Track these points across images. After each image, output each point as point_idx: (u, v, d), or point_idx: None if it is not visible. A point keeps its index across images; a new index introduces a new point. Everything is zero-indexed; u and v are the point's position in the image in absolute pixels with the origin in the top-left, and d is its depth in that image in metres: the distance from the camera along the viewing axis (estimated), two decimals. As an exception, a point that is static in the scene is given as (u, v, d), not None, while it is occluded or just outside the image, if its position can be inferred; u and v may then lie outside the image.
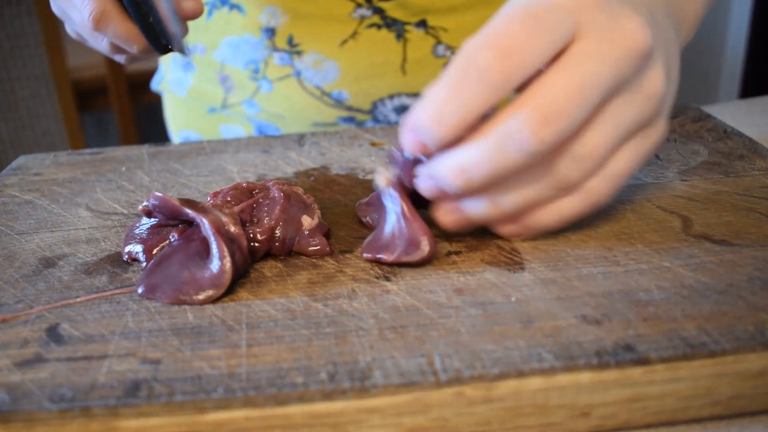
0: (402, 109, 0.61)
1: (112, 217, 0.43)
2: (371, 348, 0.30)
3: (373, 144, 0.53)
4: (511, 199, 0.34)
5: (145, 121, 2.09)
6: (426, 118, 0.31)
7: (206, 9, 0.64)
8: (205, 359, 0.29)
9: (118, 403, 0.27)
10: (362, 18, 0.58)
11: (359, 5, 0.58)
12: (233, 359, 0.29)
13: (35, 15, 1.57)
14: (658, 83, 0.33)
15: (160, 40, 0.46)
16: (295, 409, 0.27)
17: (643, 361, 0.28)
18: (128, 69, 1.84)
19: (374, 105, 0.61)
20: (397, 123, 0.63)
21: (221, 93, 0.66)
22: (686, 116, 0.55)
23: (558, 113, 0.30)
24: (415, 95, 0.61)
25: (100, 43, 0.47)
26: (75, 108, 1.68)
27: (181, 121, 0.72)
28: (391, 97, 0.61)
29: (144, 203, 0.38)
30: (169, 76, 0.72)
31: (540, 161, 0.32)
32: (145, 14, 0.45)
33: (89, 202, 0.46)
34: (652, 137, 0.35)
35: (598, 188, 0.34)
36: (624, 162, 0.34)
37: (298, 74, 0.61)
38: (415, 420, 0.28)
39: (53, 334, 0.32)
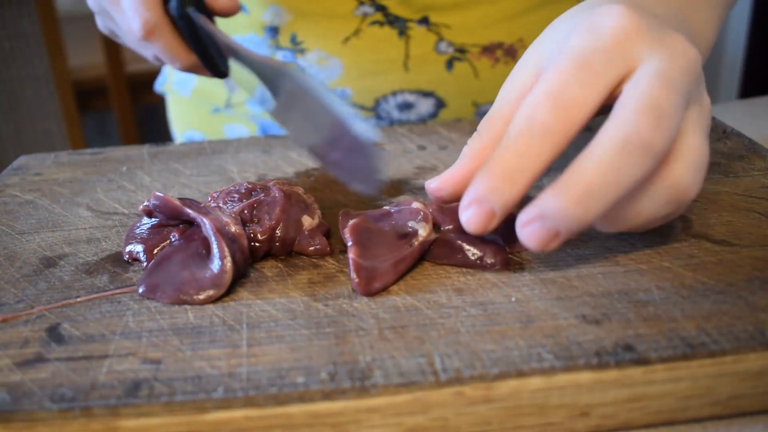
0: (404, 106, 0.62)
1: (113, 217, 0.43)
2: (371, 348, 0.30)
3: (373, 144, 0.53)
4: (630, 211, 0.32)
5: (145, 121, 2.10)
6: (498, 180, 0.31)
7: None
8: (206, 359, 0.29)
9: (119, 402, 0.27)
10: (365, 15, 0.58)
11: (362, 3, 0.58)
12: (234, 359, 0.29)
13: (36, 15, 1.58)
14: (708, 101, 0.34)
15: (218, 67, 0.45)
16: (295, 409, 0.27)
17: (642, 361, 0.28)
18: (129, 69, 1.84)
19: (377, 102, 0.61)
20: (399, 120, 0.62)
21: (225, 92, 0.66)
22: (686, 116, 0.55)
23: (663, 113, 0.30)
24: (418, 92, 0.61)
25: (145, 51, 0.47)
26: (76, 108, 1.68)
27: (185, 122, 0.72)
28: (394, 93, 0.61)
29: (145, 203, 0.38)
30: (173, 77, 0.72)
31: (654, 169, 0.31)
32: (203, 44, 0.44)
33: (90, 202, 0.46)
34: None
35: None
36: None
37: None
38: (415, 420, 0.28)
39: (54, 334, 0.32)
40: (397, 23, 0.58)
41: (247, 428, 0.27)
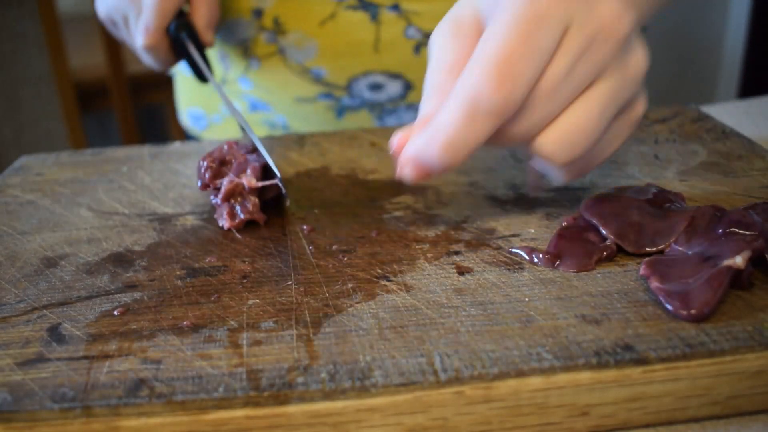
0: (375, 87, 0.65)
1: (114, 217, 0.44)
2: (371, 348, 0.30)
3: (373, 144, 0.53)
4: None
5: (146, 121, 2.10)
6: (439, 148, 0.33)
7: None
8: (206, 359, 0.30)
9: (120, 402, 0.27)
10: (340, 0, 0.62)
11: None
12: (234, 359, 0.29)
13: (37, 16, 1.58)
14: (640, 63, 0.35)
15: (201, 75, 0.64)
16: (295, 409, 0.27)
17: (642, 361, 0.28)
18: (130, 70, 1.84)
19: (350, 81, 0.65)
20: (370, 100, 0.66)
21: (222, 70, 0.71)
22: (685, 116, 0.55)
23: (511, 71, 0.32)
24: (387, 74, 0.64)
25: (143, 56, 0.61)
26: (76, 108, 1.69)
27: (188, 99, 0.78)
28: (366, 74, 0.64)
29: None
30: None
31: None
32: (187, 56, 0.61)
33: (91, 202, 0.46)
34: (636, 112, 0.37)
35: (587, 167, 0.37)
36: (611, 140, 0.37)
37: (282, 52, 0.65)
38: (415, 419, 0.28)
39: (55, 334, 0.32)
40: (370, 8, 0.61)
41: (247, 428, 0.28)
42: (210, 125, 0.75)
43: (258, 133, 0.71)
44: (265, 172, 0.42)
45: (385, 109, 0.66)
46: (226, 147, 0.43)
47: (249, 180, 0.41)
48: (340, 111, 0.67)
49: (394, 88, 0.64)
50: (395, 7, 0.61)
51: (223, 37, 0.69)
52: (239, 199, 0.41)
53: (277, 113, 0.69)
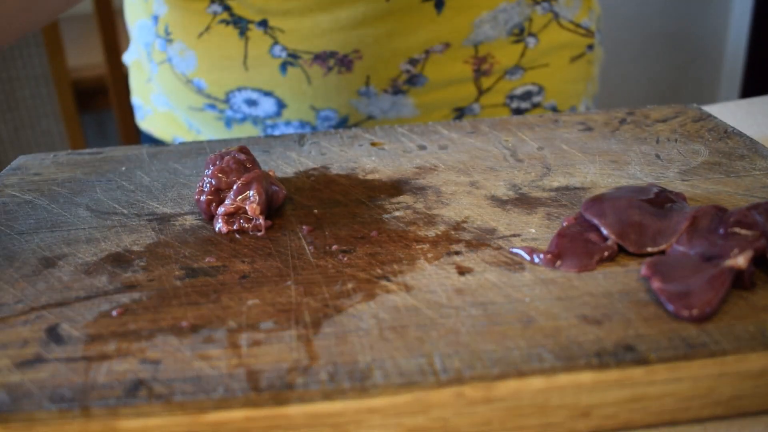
0: (250, 102, 0.65)
1: (112, 217, 0.43)
2: (371, 348, 0.30)
3: (373, 144, 0.53)
4: None
5: (145, 121, 2.09)
6: None
7: None
8: (205, 359, 0.29)
9: (118, 403, 0.27)
10: (215, 14, 0.62)
11: (212, 2, 0.62)
12: (233, 359, 0.29)
13: (35, 15, 1.57)
14: None
15: None
16: (295, 409, 0.27)
17: (643, 362, 0.28)
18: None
19: (227, 95, 0.65)
20: (249, 114, 0.66)
21: (147, 67, 0.73)
22: (687, 116, 0.55)
23: None
24: (258, 90, 0.64)
25: None
26: (75, 108, 1.68)
27: (133, 89, 0.80)
28: (240, 89, 0.64)
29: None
30: (129, 51, 0.80)
31: None
32: None
33: (89, 202, 0.46)
34: None
35: None
36: None
37: (170, 60, 0.67)
38: (415, 420, 0.28)
39: (53, 334, 0.32)
40: (240, 23, 0.62)
41: (246, 429, 0.27)
42: (145, 116, 0.76)
43: (178, 132, 0.72)
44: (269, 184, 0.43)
45: (266, 124, 0.66)
46: (212, 177, 0.43)
47: (253, 207, 0.40)
48: (228, 122, 0.67)
49: (268, 104, 0.64)
50: (263, 24, 0.61)
51: (136, 36, 0.71)
52: (241, 217, 0.41)
53: (184, 116, 0.70)
